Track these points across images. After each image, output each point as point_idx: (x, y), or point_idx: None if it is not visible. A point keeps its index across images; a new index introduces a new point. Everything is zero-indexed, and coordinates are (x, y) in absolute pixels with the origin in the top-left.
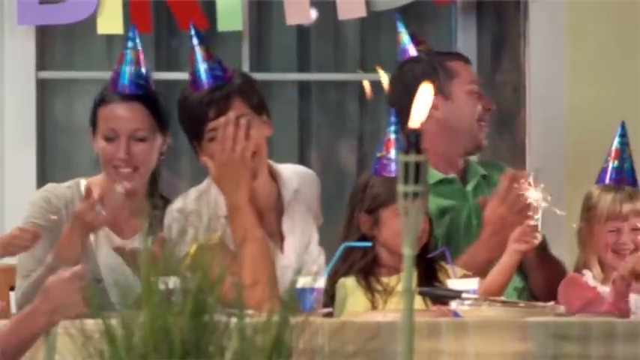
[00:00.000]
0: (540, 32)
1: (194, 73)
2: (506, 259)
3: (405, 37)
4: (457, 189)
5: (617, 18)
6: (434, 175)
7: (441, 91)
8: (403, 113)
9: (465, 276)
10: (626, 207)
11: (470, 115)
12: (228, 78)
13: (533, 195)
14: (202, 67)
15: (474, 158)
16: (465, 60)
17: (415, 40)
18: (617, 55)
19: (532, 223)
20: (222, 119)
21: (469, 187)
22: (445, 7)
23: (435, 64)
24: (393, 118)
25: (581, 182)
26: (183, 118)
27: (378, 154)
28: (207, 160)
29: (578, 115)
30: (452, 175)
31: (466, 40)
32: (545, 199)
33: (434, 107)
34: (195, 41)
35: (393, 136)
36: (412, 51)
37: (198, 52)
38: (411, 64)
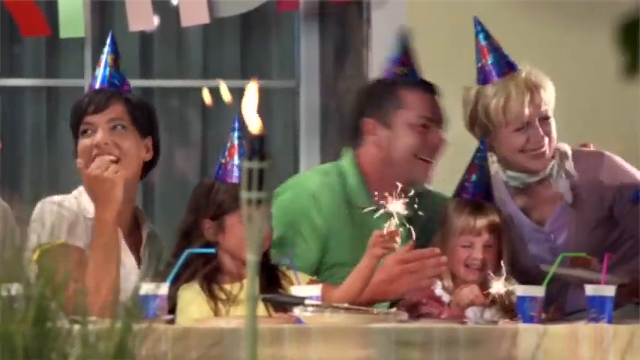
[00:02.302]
0: (383, 38)
1: (94, 77)
2: (365, 264)
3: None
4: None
5: (458, 23)
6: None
7: (382, 119)
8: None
9: (310, 282)
10: (480, 222)
11: (405, 147)
12: (124, 90)
13: (394, 207)
14: (104, 71)
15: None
16: (431, 91)
17: (401, 60)
18: (458, 59)
19: (392, 228)
20: (98, 136)
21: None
22: (288, 13)
23: (387, 90)
24: (236, 124)
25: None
26: (71, 117)
27: (222, 160)
28: (80, 162)
29: None
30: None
31: (309, 46)
32: (405, 209)
33: (370, 132)
34: (107, 49)
35: (236, 142)
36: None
37: (106, 59)
38: (377, 82)
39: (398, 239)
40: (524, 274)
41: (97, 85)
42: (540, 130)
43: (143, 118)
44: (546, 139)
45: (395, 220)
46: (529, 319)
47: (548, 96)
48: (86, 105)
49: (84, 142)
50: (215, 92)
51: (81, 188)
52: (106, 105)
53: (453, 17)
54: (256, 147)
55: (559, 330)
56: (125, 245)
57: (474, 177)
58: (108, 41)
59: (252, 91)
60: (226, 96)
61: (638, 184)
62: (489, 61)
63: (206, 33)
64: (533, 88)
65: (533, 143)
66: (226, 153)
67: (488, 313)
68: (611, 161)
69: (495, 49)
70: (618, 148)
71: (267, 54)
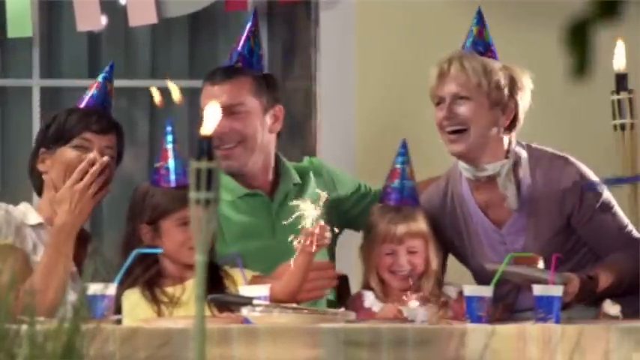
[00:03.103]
0: (331, 38)
1: (93, 96)
2: (299, 261)
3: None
4: (261, 203)
5: (407, 24)
6: (238, 190)
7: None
8: None
9: (254, 277)
10: (401, 229)
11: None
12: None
13: (311, 212)
14: (106, 95)
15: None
16: (213, 80)
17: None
18: (407, 58)
19: (322, 224)
20: (92, 154)
21: (275, 205)
22: (236, 13)
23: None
24: (169, 128)
25: None
26: (61, 122)
27: (156, 165)
28: (51, 166)
29: (368, 121)
30: (255, 190)
31: None
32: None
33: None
34: (105, 75)
35: (170, 146)
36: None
37: (106, 84)
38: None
39: (328, 234)
40: (479, 274)
41: (98, 107)
42: (452, 108)
43: (121, 155)
44: (461, 119)
45: (312, 220)
46: (477, 319)
47: (491, 82)
48: (93, 122)
49: (71, 153)
50: (164, 92)
51: (27, 205)
52: (109, 130)
53: (402, 17)
54: (204, 147)
55: (507, 330)
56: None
57: (396, 182)
58: (107, 68)
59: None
60: (176, 95)
61: (599, 192)
62: (467, 43)
63: (154, 33)
64: (460, 66)
65: (445, 119)
66: (160, 157)
67: (422, 313)
68: (574, 169)
69: (480, 34)
70: (560, 148)
71: (216, 54)
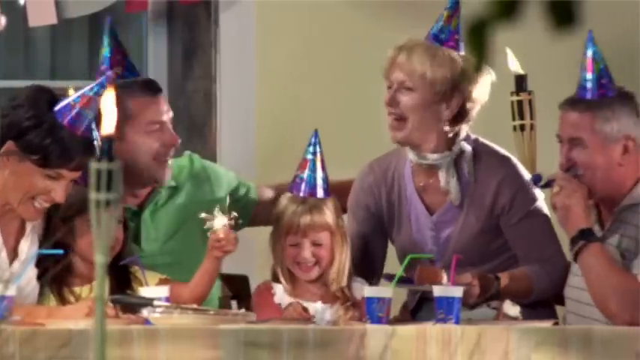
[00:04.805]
0: (231, 39)
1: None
2: (207, 265)
3: (105, 50)
4: (131, 215)
5: (306, 25)
6: None
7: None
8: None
9: (161, 281)
10: (305, 221)
11: (145, 154)
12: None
13: (218, 219)
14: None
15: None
16: (155, 90)
17: (111, 59)
18: (307, 58)
19: (225, 234)
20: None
21: (146, 213)
22: (136, 14)
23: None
24: (93, 126)
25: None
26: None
27: None
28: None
29: (269, 122)
30: (127, 205)
31: (157, 47)
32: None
33: None
34: (96, 89)
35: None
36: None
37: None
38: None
39: (235, 240)
40: (400, 252)
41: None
42: (396, 96)
43: None
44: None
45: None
46: (377, 320)
47: (436, 75)
48: (75, 159)
49: (42, 181)
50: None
51: None
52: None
53: (301, 18)
54: (105, 148)
55: (407, 331)
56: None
57: (304, 173)
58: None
59: (110, 100)
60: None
61: (532, 198)
62: (433, 29)
63: (54, 33)
64: (408, 56)
65: (388, 105)
66: None
67: (328, 313)
68: (513, 170)
69: (448, 20)
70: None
71: None
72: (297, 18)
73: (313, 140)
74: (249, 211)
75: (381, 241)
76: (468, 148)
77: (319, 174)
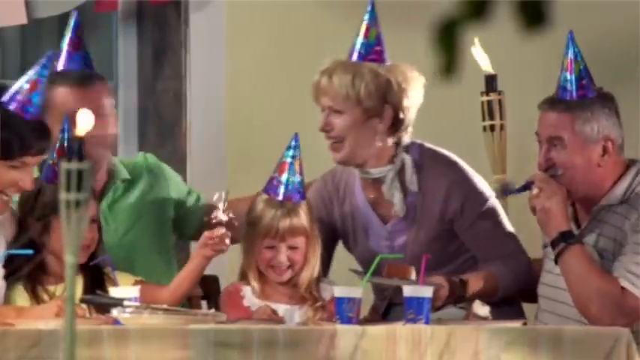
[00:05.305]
0: (201, 40)
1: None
2: (194, 265)
3: (63, 42)
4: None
5: (277, 25)
6: None
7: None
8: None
9: (136, 282)
10: (283, 225)
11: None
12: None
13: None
14: (35, 96)
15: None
16: (81, 82)
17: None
18: (277, 59)
19: (221, 231)
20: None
21: (104, 205)
22: (106, 14)
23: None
24: (65, 125)
25: (242, 190)
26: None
27: (50, 161)
28: None
29: (239, 122)
30: None
31: (127, 47)
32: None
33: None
34: (41, 71)
35: (65, 144)
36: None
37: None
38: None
39: (227, 241)
40: (362, 262)
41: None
42: (327, 118)
43: None
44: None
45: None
46: (347, 320)
47: (359, 93)
48: (34, 143)
49: (10, 173)
50: None
51: None
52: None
53: (271, 18)
54: (75, 148)
55: (377, 331)
56: None
57: (283, 177)
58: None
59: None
60: None
61: (483, 198)
62: (356, 43)
63: (24, 33)
64: (329, 79)
65: (323, 130)
66: (54, 154)
67: (297, 315)
68: (460, 174)
69: (365, 34)
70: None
71: None
72: (267, 18)
73: (293, 144)
74: (200, 219)
75: (326, 252)
76: (408, 159)
77: (297, 178)
